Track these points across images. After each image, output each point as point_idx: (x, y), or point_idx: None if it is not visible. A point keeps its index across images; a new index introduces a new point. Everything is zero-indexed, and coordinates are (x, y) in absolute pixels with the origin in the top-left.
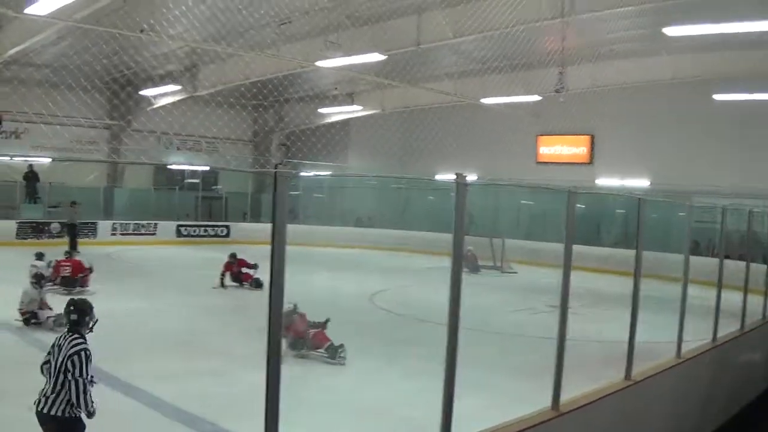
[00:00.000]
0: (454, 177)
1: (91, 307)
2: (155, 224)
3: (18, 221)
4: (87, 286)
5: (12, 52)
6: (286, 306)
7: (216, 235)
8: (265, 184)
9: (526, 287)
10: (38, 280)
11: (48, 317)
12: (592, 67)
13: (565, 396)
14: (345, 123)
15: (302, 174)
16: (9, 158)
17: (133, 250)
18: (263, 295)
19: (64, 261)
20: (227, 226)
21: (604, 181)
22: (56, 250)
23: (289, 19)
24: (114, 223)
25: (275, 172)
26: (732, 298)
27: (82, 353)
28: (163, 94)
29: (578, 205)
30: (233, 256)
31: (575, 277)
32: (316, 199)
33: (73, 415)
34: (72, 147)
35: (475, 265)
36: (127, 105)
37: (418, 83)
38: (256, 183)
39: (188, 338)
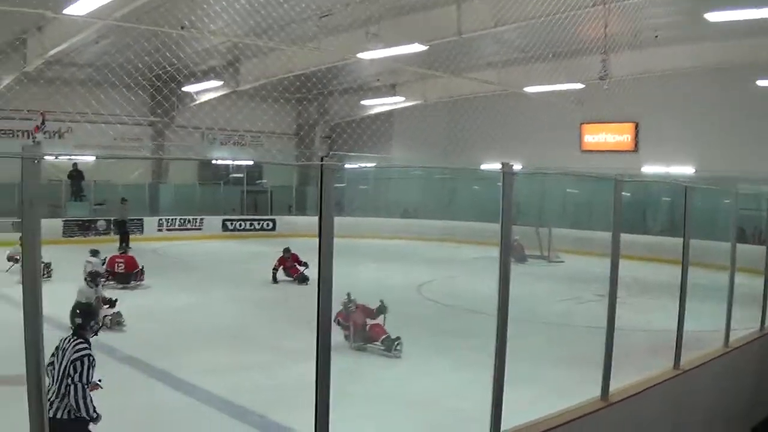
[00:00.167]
0: (500, 166)
1: (96, 312)
2: (201, 219)
3: (64, 219)
4: (142, 281)
5: (53, 52)
6: (347, 295)
7: (262, 229)
8: (310, 177)
9: (572, 276)
10: (93, 278)
11: (105, 316)
12: (635, 54)
13: (614, 386)
14: (388, 114)
15: (347, 166)
16: (54, 157)
17: (179, 246)
18: (310, 288)
19: (118, 256)
20: (273, 220)
21: (649, 169)
22: (103, 246)
23: (330, 11)
24: (160, 219)
25: (321, 164)
26: None
27: (86, 359)
28: (206, 90)
29: (624, 193)
30: (287, 250)
31: (622, 265)
32: (361, 191)
33: (77, 417)
34: (116, 144)
35: (522, 254)
36: (170, 101)
37: (461, 73)
38: (300, 176)
39: (237, 332)
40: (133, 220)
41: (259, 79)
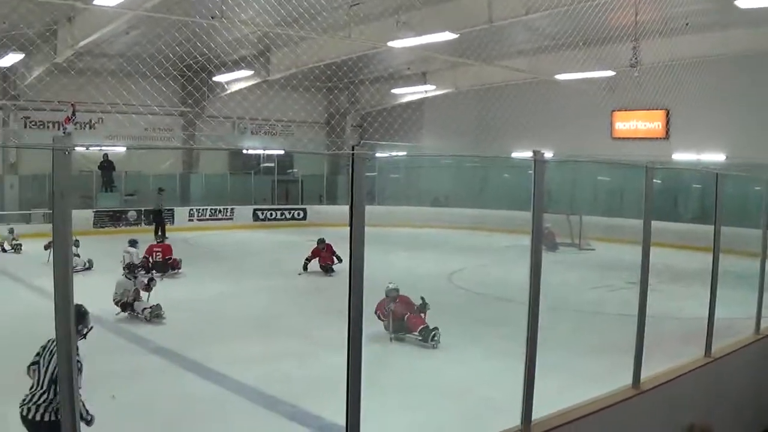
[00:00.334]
0: (531, 154)
1: (86, 314)
2: (232, 209)
3: (95, 210)
4: (179, 269)
5: (83, 43)
6: (389, 285)
7: (293, 219)
8: (340, 166)
9: (603, 264)
10: (131, 270)
11: (144, 309)
12: (665, 41)
13: (645, 373)
14: (419, 103)
15: (378, 155)
16: (85, 148)
17: (210, 236)
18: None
19: (155, 245)
20: (304, 209)
21: (680, 156)
22: (136, 237)
23: (361, 0)
24: (191, 209)
25: (352, 153)
26: None
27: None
28: (237, 80)
29: (655, 181)
30: (321, 241)
31: (653, 253)
32: (392, 179)
33: (58, 418)
34: (147, 135)
35: (553, 242)
36: (200, 91)
37: (492, 61)
38: (331, 165)
39: (268, 322)
40: (158, 210)
41: (289, 68)
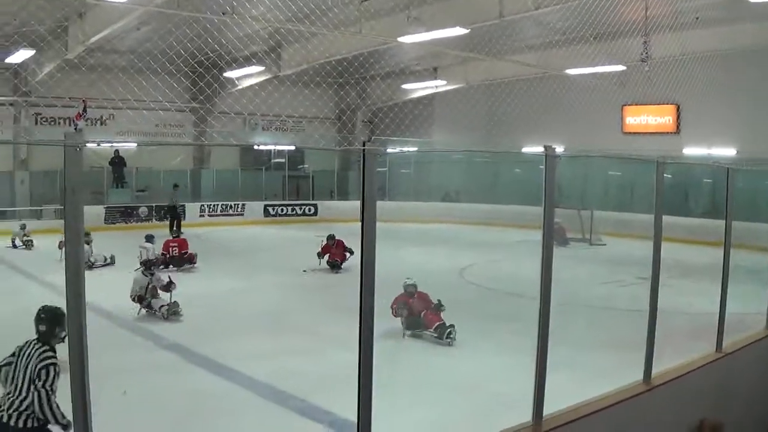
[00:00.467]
0: (542, 149)
1: (63, 316)
2: (243, 205)
3: (106, 206)
4: (195, 263)
5: (94, 39)
6: (407, 281)
7: (304, 214)
8: (351, 161)
9: (614, 259)
10: (148, 267)
11: (161, 306)
12: (675, 35)
13: (656, 369)
14: (429, 98)
15: (389, 150)
16: (96, 144)
17: (221, 231)
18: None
19: (171, 240)
20: (315, 205)
21: (691, 151)
22: (146, 233)
23: None
24: (202, 205)
25: (363, 149)
26: None
27: (51, 368)
28: (247, 75)
29: (666, 175)
30: (331, 237)
31: (664, 248)
32: (402, 175)
33: (39, 425)
34: (158, 131)
35: (564, 237)
36: (212, 87)
37: (503, 56)
38: (341, 161)
39: (279, 318)
40: (168, 206)
41: (300, 64)
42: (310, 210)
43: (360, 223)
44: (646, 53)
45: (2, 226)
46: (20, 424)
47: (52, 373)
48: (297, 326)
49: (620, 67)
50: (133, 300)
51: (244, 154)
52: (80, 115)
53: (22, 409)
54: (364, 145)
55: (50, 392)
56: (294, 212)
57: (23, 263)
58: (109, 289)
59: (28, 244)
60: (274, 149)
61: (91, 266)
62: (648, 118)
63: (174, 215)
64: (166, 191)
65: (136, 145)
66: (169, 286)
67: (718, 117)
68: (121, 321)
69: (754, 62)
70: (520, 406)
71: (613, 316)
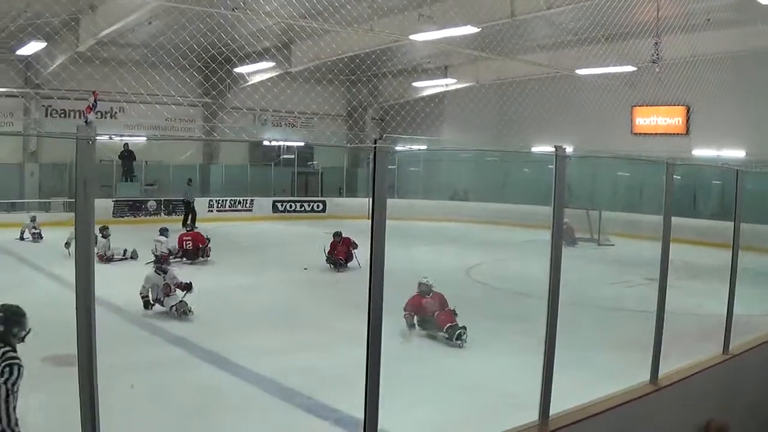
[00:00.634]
0: (552, 149)
1: (22, 316)
2: (251, 200)
3: (114, 199)
4: (208, 257)
5: (106, 32)
6: (424, 279)
7: (312, 211)
8: (360, 158)
9: (622, 260)
10: (161, 264)
11: (171, 306)
12: (686, 37)
13: (663, 370)
14: (440, 96)
15: (400, 148)
16: (108, 137)
17: (229, 227)
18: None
19: (185, 234)
20: (323, 202)
21: (700, 152)
22: (155, 227)
23: None
24: (210, 200)
25: (375, 146)
26: None
27: (15, 368)
28: (258, 71)
29: (675, 177)
30: (338, 234)
31: (672, 249)
32: (411, 173)
33: None
34: (168, 125)
35: (572, 237)
36: (225, 83)
37: (514, 56)
38: (351, 158)
39: (286, 314)
40: (183, 200)
41: (312, 60)
42: (318, 206)
43: (368, 221)
44: (657, 54)
45: (11, 218)
46: None
47: (15, 373)
48: (305, 322)
49: (631, 68)
50: (143, 298)
51: (254, 150)
52: (90, 108)
53: None
54: (375, 143)
55: (10, 391)
56: (302, 208)
57: (31, 255)
58: (120, 284)
59: (36, 237)
60: (284, 145)
61: (109, 259)
62: (658, 119)
63: (188, 210)
64: (174, 185)
65: (145, 139)
66: (188, 287)
67: (728, 119)
68: (130, 316)
69: (765, 64)
70: (527, 405)
71: (621, 316)
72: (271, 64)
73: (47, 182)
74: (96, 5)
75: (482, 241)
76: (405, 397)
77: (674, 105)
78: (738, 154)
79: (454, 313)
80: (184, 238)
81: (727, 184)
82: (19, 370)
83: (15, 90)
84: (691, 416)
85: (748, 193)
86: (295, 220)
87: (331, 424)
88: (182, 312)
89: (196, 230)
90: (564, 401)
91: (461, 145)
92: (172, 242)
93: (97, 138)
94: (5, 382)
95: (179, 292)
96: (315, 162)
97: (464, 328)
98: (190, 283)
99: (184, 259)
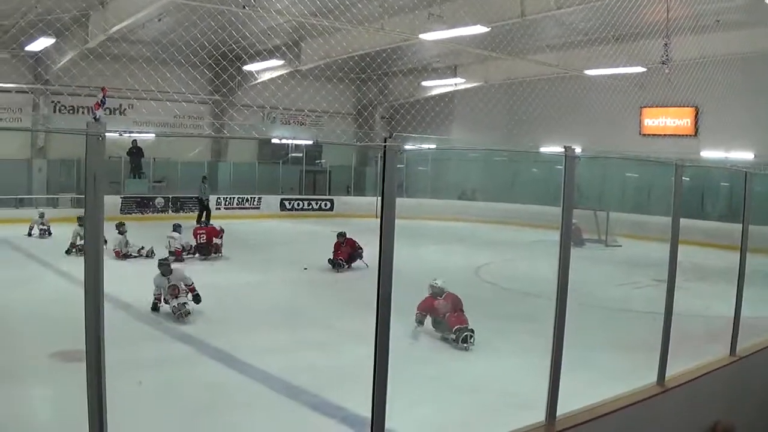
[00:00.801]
0: (560, 149)
1: None
2: (259, 198)
3: (122, 196)
4: (221, 252)
5: (115, 29)
6: (434, 281)
7: (320, 209)
8: (369, 157)
9: (630, 261)
10: (165, 267)
11: (173, 307)
12: (696, 38)
13: (670, 372)
14: (449, 96)
15: (409, 147)
16: (119, 134)
17: (237, 224)
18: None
19: (199, 228)
20: (331, 200)
21: (709, 154)
22: (163, 224)
23: None
24: (218, 198)
25: (384, 145)
26: None
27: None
28: (267, 69)
29: (683, 178)
30: (342, 234)
31: (680, 250)
32: (419, 172)
33: None
34: (177, 122)
35: (580, 238)
36: (235, 80)
37: (524, 56)
38: (359, 156)
39: (294, 312)
40: (192, 198)
41: (322, 59)
42: (326, 205)
43: (376, 219)
44: (667, 55)
45: (20, 214)
46: None
47: None
48: (312, 321)
49: (640, 69)
50: (155, 300)
51: (262, 148)
52: (99, 105)
53: None
54: (385, 142)
55: None
56: (310, 207)
57: (39, 252)
58: (130, 280)
59: (44, 233)
60: (292, 143)
61: (126, 256)
62: (666, 120)
63: (203, 207)
64: (183, 182)
65: (154, 135)
66: (196, 297)
67: (737, 120)
68: (138, 313)
69: None
70: (534, 406)
71: (628, 317)
72: (281, 62)
73: (55, 178)
74: (106, 1)
75: (490, 240)
76: (411, 395)
77: (683, 106)
78: (746, 156)
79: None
80: (199, 231)
81: (735, 186)
82: None
83: (25, 86)
84: (698, 418)
85: (757, 195)
86: (302, 218)
87: (338, 422)
88: (179, 314)
89: (210, 226)
90: (570, 402)
91: (470, 145)
92: (186, 238)
93: (107, 134)
94: None
95: (186, 294)
96: (323, 160)
97: (472, 331)
98: (198, 294)
99: (197, 255)
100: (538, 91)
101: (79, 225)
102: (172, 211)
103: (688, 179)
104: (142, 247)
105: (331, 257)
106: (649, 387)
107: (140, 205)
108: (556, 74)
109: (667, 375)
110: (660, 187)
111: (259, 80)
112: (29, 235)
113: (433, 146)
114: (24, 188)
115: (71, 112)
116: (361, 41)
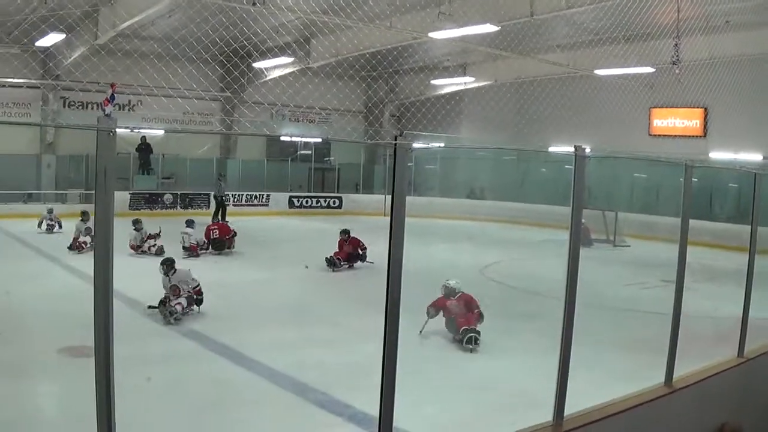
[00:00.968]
0: (570, 149)
1: None
2: (268, 195)
3: (131, 192)
4: (233, 248)
5: (125, 25)
6: (449, 282)
7: (328, 207)
8: (377, 155)
9: (638, 261)
10: (167, 267)
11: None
12: (706, 38)
13: (678, 372)
14: (459, 95)
15: (419, 145)
16: (130, 130)
17: (245, 221)
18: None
19: (212, 225)
20: (339, 198)
21: (717, 155)
22: (173, 220)
23: None
24: (226, 194)
25: (395, 143)
26: None
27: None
28: (276, 66)
29: (692, 179)
30: (345, 232)
31: (688, 251)
32: (428, 171)
33: None
34: (186, 119)
35: (588, 238)
36: (246, 77)
37: (535, 55)
38: (368, 154)
39: (302, 309)
40: (200, 194)
41: (332, 56)
42: (334, 202)
43: (384, 217)
44: (677, 56)
45: (28, 209)
46: None
47: None
48: (319, 318)
49: (649, 69)
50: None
51: (270, 145)
52: (108, 101)
53: None
54: (395, 140)
55: None
56: (318, 204)
57: (48, 247)
58: (139, 276)
59: (52, 229)
60: (301, 141)
61: (143, 252)
62: (675, 120)
63: (219, 204)
64: (191, 179)
65: (163, 132)
66: (199, 300)
67: (746, 121)
68: (143, 310)
69: None
70: (542, 405)
71: (636, 318)
72: (291, 59)
73: (64, 174)
74: None
75: (499, 239)
76: (418, 394)
77: (692, 107)
78: (755, 157)
79: (480, 317)
80: (211, 228)
81: (743, 187)
82: None
83: (35, 81)
84: (705, 419)
85: (766, 197)
86: (311, 215)
87: (345, 420)
88: (165, 314)
89: (226, 222)
90: (578, 401)
91: (479, 144)
92: (199, 234)
93: (117, 130)
94: None
95: (186, 296)
96: (332, 158)
97: (478, 332)
98: (201, 298)
99: (211, 249)
100: (548, 91)
101: (81, 220)
102: (181, 208)
103: (696, 180)
104: (155, 243)
105: (332, 255)
106: (657, 387)
107: (149, 201)
108: (566, 74)
109: (674, 376)
110: (668, 188)
111: (268, 77)
112: (40, 226)
113: (442, 145)
114: (33, 183)
115: (80, 107)
116: (371, 39)
